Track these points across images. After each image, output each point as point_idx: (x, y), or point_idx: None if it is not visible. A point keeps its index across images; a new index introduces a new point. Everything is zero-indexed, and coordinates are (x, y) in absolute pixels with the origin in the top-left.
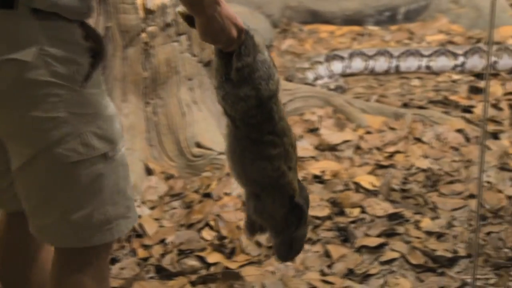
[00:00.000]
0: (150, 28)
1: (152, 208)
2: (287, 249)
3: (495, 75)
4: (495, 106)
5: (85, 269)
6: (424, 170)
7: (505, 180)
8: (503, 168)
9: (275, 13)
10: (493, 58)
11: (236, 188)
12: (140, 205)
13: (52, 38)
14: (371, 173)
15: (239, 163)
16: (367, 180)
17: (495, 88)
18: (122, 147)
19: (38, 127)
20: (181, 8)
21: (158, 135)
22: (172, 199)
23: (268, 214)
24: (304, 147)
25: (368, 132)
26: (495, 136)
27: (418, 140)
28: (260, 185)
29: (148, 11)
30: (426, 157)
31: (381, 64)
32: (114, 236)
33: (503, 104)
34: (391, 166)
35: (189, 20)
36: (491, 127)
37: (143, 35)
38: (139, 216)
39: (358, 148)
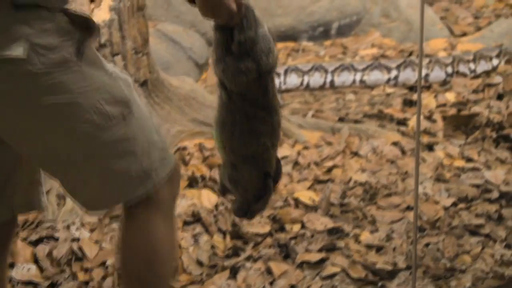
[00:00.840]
0: None
1: (91, 230)
2: (243, 212)
3: (428, 87)
4: (429, 118)
5: (162, 216)
6: (362, 184)
7: (441, 191)
8: (438, 179)
9: (209, 31)
10: (425, 71)
11: (177, 208)
12: (79, 228)
13: (38, 29)
14: (310, 188)
15: (227, 135)
16: (306, 196)
17: (428, 101)
18: (135, 99)
19: (52, 114)
20: None
21: None
22: (112, 221)
23: (241, 185)
24: None
25: (306, 148)
26: (430, 147)
27: (355, 154)
28: (243, 157)
29: None
30: (363, 170)
31: (316, 79)
32: (155, 182)
33: (437, 116)
34: (330, 180)
35: None
36: (425, 139)
37: None
38: (78, 240)
39: (296, 163)
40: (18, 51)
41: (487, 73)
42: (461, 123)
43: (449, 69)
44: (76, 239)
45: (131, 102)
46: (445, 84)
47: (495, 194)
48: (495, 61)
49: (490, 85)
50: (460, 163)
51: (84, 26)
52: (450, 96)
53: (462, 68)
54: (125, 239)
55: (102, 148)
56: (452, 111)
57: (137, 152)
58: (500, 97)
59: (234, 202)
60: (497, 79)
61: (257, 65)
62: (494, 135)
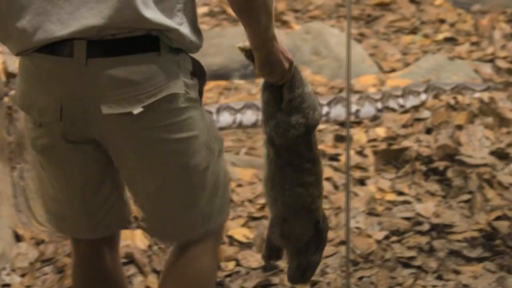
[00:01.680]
0: (12, 92)
1: (22, 275)
2: (301, 272)
3: (358, 123)
4: (360, 153)
5: (211, 249)
6: None
7: (373, 225)
8: (371, 213)
9: None
10: (355, 107)
11: None
12: (10, 273)
13: (184, 69)
14: (244, 225)
15: (277, 190)
16: (240, 233)
17: (359, 136)
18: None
19: (178, 147)
20: (241, 43)
21: (26, 200)
22: (44, 264)
23: (295, 237)
24: None
25: (240, 185)
26: (361, 182)
27: None
28: (293, 210)
29: (10, 75)
30: None
31: (248, 117)
32: (227, 216)
33: (368, 151)
34: (264, 217)
35: (249, 54)
36: (357, 174)
37: (6, 99)
38: (8, 285)
39: (230, 201)
40: (179, 88)
41: (416, 108)
42: (392, 157)
43: (379, 105)
44: (7, 285)
45: (222, 141)
46: (375, 119)
47: (426, 226)
48: (423, 96)
49: (418, 120)
50: (391, 196)
51: (200, 67)
52: (381, 131)
53: (392, 103)
54: (175, 268)
55: (203, 182)
56: (383, 146)
57: (220, 188)
58: (428, 131)
59: (289, 268)
60: (425, 113)
61: (305, 120)
62: (423, 168)
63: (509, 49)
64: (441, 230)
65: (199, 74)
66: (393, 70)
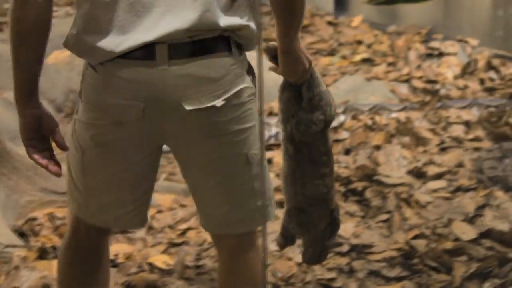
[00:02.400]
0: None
1: None
2: (318, 256)
3: (278, 145)
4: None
5: (254, 248)
6: None
7: (293, 248)
8: None
9: (58, 97)
10: (275, 129)
11: (26, 281)
12: None
13: (246, 66)
14: (164, 252)
15: (298, 183)
16: (161, 260)
17: (279, 159)
18: None
19: (243, 136)
20: (271, 43)
21: None
22: None
23: (312, 226)
24: None
25: (159, 211)
26: (281, 205)
27: None
28: (311, 201)
29: None
30: None
31: None
32: (271, 218)
33: None
34: (184, 243)
35: (273, 55)
36: (277, 197)
37: None
38: None
39: (150, 228)
40: (248, 83)
41: (335, 129)
42: None
43: None
44: None
45: None
46: None
47: (345, 247)
48: (342, 117)
49: (337, 141)
50: None
51: (251, 67)
52: None
53: None
54: (237, 272)
55: (256, 172)
56: None
57: (267, 181)
58: (347, 152)
59: (305, 254)
60: (344, 134)
61: (324, 117)
62: (343, 189)
63: (424, 69)
64: (360, 250)
65: (251, 70)
66: None
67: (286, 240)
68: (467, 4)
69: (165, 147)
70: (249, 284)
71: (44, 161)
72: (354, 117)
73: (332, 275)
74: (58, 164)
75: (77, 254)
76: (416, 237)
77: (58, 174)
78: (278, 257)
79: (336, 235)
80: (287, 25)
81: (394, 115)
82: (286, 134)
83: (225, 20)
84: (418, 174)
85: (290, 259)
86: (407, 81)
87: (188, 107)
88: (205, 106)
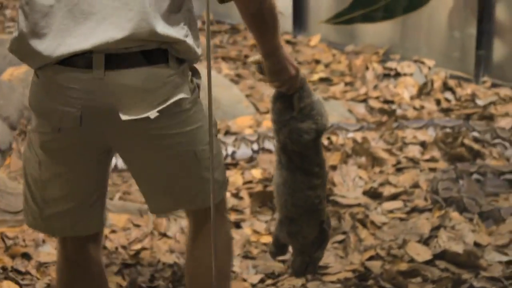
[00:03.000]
0: None
1: None
2: (305, 267)
3: (235, 164)
4: (236, 196)
5: (222, 218)
6: (170, 266)
7: (248, 268)
8: (246, 256)
9: (12, 115)
10: (231, 148)
11: None
12: None
13: (186, 76)
14: (117, 273)
15: (288, 192)
16: (114, 281)
17: (235, 178)
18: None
19: (187, 138)
20: (253, 57)
21: None
22: None
23: (302, 236)
24: (47, 251)
25: (113, 231)
26: (237, 225)
27: (164, 235)
28: (302, 211)
29: None
30: (172, 252)
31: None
32: (226, 190)
33: (244, 193)
34: (138, 264)
35: (260, 67)
36: (233, 217)
37: None
38: None
39: (104, 248)
40: (187, 93)
41: None
42: (267, 199)
43: (255, 146)
44: None
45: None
46: (251, 161)
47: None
48: None
49: None
50: (266, 239)
51: (196, 71)
52: (256, 173)
53: (267, 144)
54: (201, 237)
55: (216, 159)
56: (258, 188)
57: (221, 164)
58: None
59: (293, 264)
60: None
61: (316, 126)
62: None
63: (381, 89)
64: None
65: (196, 74)
66: (269, 111)
67: (277, 249)
68: (424, 25)
69: (120, 164)
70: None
71: None
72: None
73: None
74: None
75: (62, 268)
76: (371, 258)
77: None
78: (232, 278)
79: (324, 249)
80: (261, 32)
81: (350, 135)
82: (279, 144)
83: (161, 33)
84: (374, 194)
85: (245, 280)
86: (364, 101)
87: (123, 117)
88: (140, 117)
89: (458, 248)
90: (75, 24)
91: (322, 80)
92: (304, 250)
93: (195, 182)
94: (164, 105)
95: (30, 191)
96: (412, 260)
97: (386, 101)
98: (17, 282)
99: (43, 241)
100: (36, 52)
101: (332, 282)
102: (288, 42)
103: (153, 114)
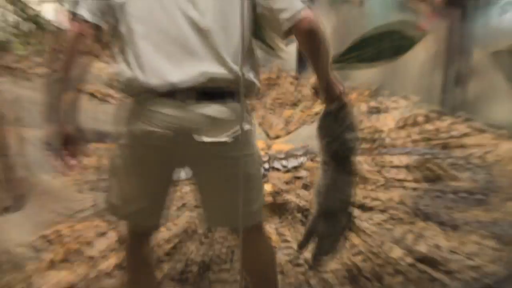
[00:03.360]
0: None
1: None
2: (333, 248)
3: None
4: None
5: (264, 232)
6: (197, 262)
7: None
8: None
9: None
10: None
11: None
12: None
13: (248, 110)
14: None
15: (335, 189)
16: None
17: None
18: None
19: (246, 160)
20: (310, 83)
21: None
22: None
23: (338, 225)
24: (97, 248)
25: None
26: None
27: (192, 236)
28: (342, 203)
29: None
30: (198, 250)
31: None
32: (260, 220)
33: None
34: (170, 260)
35: (316, 91)
36: None
37: None
38: None
39: None
40: (250, 125)
41: (296, 168)
42: (276, 208)
43: (266, 165)
44: None
45: None
46: (263, 177)
47: (305, 266)
48: (301, 159)
49: (298, 178)
50: (275, 239)
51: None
52: (268, 187)
53: (276, 164)
54: (252, 251)
55: (260, 183)
56: (269, 199)
57: (262, 189)
58: (306, 187)
59: (321, 250)
60: (303, 172)
61: (357, 136)
62: (301, 217)
63: (371, 120)
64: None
65: (248, 110)
66: (277, 137)
67: (307, 242)
68: (410, 66)
69: (182, 175)
70: (263, 263)
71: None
72: (312, 159)
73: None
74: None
75: (133, 253)
76: (359, 259)
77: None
78: None
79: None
80: (318, 62)
81: None
82: (329, 153)
83: (234, 77)
84: (362, 207)
85: None
86: None
87: (205, 139)
88: (218, 140)
89: (425, 249)
90: (173, 65)
91: (319, 113)
92: (336, 236)
93: (245, 204)
94: (236, 132)
95: (116, 193)
96: (393, 261)
97: (376, 131)
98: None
99: (91, 241)
100: (140, 84)
101: (326, 272)
102: (291, 83)
103: (229, 138)
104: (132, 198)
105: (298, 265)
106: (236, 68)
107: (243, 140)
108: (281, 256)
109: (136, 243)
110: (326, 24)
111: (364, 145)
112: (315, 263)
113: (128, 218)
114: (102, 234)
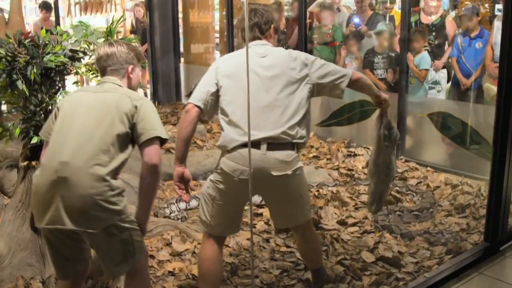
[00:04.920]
0: None
1: None
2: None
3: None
4: (267, 223)
5: (310, 229)
6: (230, 263)
7: (273, 266)
8: (271, 258)
9: None
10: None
11: None
12: None
13: (299, 154)
14: None
15: (386, 159)
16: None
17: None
18: None
19: (300, 185)
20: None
21: None
22: None
23: (388, 185)
24: (163, 254)
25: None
26: (267, 240)
27: (226, 245)
28: (389, 169)
29: None
30: (230, 255)
31: None
32: (309, 217)
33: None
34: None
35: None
36: (265, 235)
37: None
38: None
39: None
40: (301, 164)
41: None
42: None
43: None
44: None
45: None
46: None
47: (302, 265)
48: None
49: None
50: (284, 249)
51: None
52: None
53: None
54: (303, 239)
55: (308, 198)
56: None
57: (309, 200)
58: None
59: (376, 206)
60: None
61: (392, 125)
62: None
63: (346, 163)
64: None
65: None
66: None
67: (376, 204)
68: (370, 125)
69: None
70: (314, 247)
71: (180, 192)
72: (309, 190)
73: (293, 281)
74: (188, 197)
75: (210, 257)
76: (341, 260)
77: (186, 201)
78: (264, 270)
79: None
80: (367, 91)
81: (330, 188)
82: (390, 139)
83: (293, 136)
84: (343, 223)
85: (271, 272)
86: (337, 169)
87: (275, 173)
88: (284, 173)
89: (389, 254)
90: (256, 122)
91: (314, 157)
92: (385, 194)
93: (300, 210)
94: (294, 168)
95: (206, 212)
96: (364, 261)
97: (349, 169)
98: None
99: (161, 248)
100: (236, 140)
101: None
102: None
103: (290, 172)
104: (220, 217)
105: (298, 265)
106: (292, 130)
107: (298, 174)
108: (286, 263)
109: (219, 249)
110: (316, 100)
111: (342, 179)
112: (376, 212)
113: (219, 231)
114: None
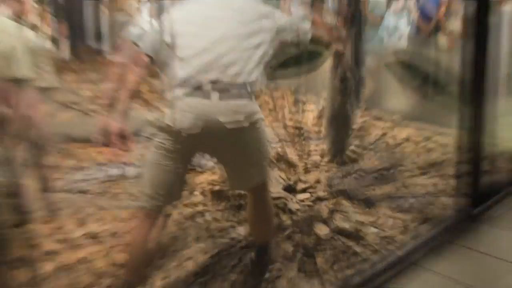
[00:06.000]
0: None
1: None
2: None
3: (202, 172)
4: (202, 193)
5: (265, 192)
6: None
7: (207, 241)
8: (209, 235)
9: None
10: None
11: None
12: None
13: (257, 104)
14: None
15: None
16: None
17: (203, 179)
18: None
19: (259, 139)
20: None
21: None
22: None
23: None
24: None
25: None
26: (202, 214)
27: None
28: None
29: None
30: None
31: None
32: (266, 177)
33: (207, 191)
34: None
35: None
36: (200, 208)
37: None
38: None
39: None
40: (261, 115)
41: None
42: (223, 195)
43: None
44: None
45: None
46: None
47: (243, 243)
48: None
49: None
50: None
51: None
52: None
53: None
54: (257, 204)
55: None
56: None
57: (268, 158)
58: None
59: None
60: None
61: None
62: (237, 202)
63: (293, 115)
64: (253, 244)
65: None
66: None
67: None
68: (320, 74)
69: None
70: (266, 216)
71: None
72: None
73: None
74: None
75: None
76: (289, 234)
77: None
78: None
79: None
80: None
81: (274, 147)
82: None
83: (247, 78)
84: (291, 189)
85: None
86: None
87: (229, 126)
88: (241, 125)
89: (347, 226)
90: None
91: None
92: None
93: (258, 168)
94: (251, 121)
95: (147, 181)
96: (316, 235)
97: (297, 126)
98: None
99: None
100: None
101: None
102: None
103: (246, 124)
104: (162, 181)
105: (239, 241)
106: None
107: (257, 126)
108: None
109: (154, 219)
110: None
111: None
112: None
113: (158, 200)
114: None
